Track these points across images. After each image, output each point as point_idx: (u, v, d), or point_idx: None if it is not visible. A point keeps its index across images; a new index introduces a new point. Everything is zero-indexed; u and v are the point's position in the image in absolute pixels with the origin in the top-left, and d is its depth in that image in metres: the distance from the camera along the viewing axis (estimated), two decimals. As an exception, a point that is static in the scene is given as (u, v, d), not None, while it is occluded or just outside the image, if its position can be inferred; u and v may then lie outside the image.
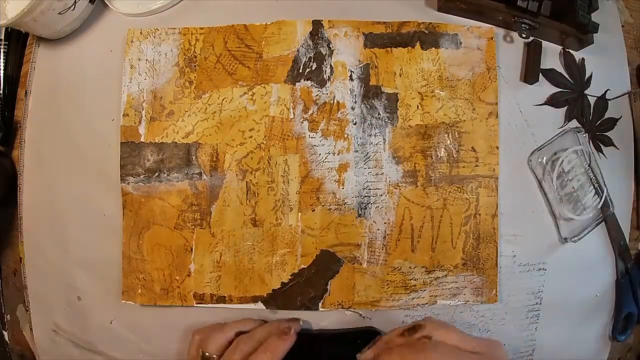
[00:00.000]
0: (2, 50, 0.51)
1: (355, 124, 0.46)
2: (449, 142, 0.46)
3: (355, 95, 0.46)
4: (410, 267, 0.45)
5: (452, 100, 0.46)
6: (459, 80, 0.47)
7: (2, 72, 0.51)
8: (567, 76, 0.48)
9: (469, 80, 0.47)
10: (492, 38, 0.47)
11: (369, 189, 0.46)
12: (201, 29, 0.47)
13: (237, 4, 0.48)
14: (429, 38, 0.47)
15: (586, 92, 0.49)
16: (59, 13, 0.46)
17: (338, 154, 0.46)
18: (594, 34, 0.47)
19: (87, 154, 0.48)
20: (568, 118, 0.48)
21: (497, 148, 0.46)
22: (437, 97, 0.46)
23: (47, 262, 0.49)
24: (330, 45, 0.46)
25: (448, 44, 0.47)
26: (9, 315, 0.53)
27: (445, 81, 0.47)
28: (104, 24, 0.50)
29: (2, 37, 0.52)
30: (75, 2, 0.46)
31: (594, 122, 0.49)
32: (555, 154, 0.47)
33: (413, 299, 0.45)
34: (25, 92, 0.51)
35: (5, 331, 0.52)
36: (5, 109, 0.51)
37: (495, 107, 0.47)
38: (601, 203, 0.47)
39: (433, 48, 0.47)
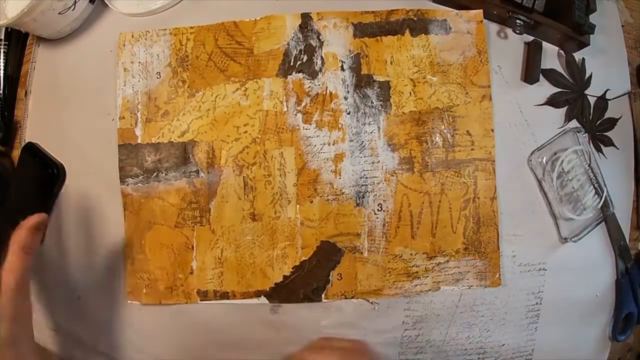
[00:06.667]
0: (2, 50, 0.52)
1: (349, 113, 0.46)
2: (443, 127, 0.46)
3: (348, 85, 0.46)
4: (411, 254, 0.45)
5: (444, 85, 0.46)
6: (450, 65, 0.47)
7: (2, 72, 0.52)
8: (567, 76, 0.48)
9: (461, 65, 0.47)
10: (481, 21, 0.47)
11: (366, 178, 0.46)
12: (191, 28, 0.48)
13: (236, 3, 0.48)
14: (418, 25, 0.47)
15: (586, 92, 0.48)
16: (59, 13, 0.46)
17: (333, 144, 0.46)
18: (595, 35, 0.46)
19: (87, 154, 0.49)
20: (568, 118, 0.48)
21: (492, 130, 0.46)
22: (429, 82, 0.46)
23: (47, 262, 0.49)
24: (320, 37, 0.47)
25: (437, 30, 0.47)
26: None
27: (437, 67, 0.47)
28: (104, 24, 0.50)
29: (2, 37, 0.52)
30: (75, 2, 0.47)
31: (594, 122, 0.49)
32: (555, 154, 0.47)
33: (416, 285, 0.45)
34: (25, 92, 0.51)
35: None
36: (5, 109, 0.52)
37: (488, 90, 0.47)
38: (601, 203, 0.47)
39: (423, 34, 0.47)
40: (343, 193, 0.45)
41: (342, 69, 0.46)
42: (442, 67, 0.47)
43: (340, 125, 0.46)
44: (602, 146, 0.49)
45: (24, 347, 0.37)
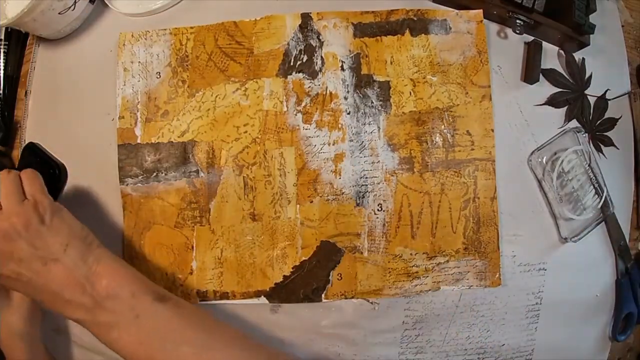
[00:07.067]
0: (2, 50, 0.52)
1: (348, 113, 0.46)
2: (443, 127, 0.46)
3: (348, 85, 0.46)
4: (411, 254, 0.45)
5: (444, 85, 0.46)
6: (450, 65, 0.47)
7: (2, 72, 0.52)
8: (567, 76, 0.48)
9: (461, 65, 0.47)
10: (481, 21, 0.47)
11: (366, 178, 0.46)
12: (191, 28, 0.48)
13: (236, 3, 0.48)
14: (418, 25, 0.47)
15: (586, 92, 0.49)
16: (59, 13, 0.46)
17: (333, 144, 0.46)
18: (595, 35, 0.47)
19: (87, 154, 0.49)
20: (568, 118, 0.48)
21: (493, 130, 0.46)
22: (429, 82, 0.46)
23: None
24: (320, 37, 0.47)
25: (437, 30, 0.47)
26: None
27: (437, 66, 0.47)
28: (104, 24, 0.50)
29: (2, 37, 0.52)
30: (75, 2, 0.47)
31: (594, 122, 0.49)
32: (555, 154, 0.47)
33: (416, 285, 0.45)
34: (25, 92, 0.51)
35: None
36: (5, 109, 0.51)
37: (488, 90, 0.47)
38: (601, 203, 0.47)
39: (423, 34, 0.47)
40: (343, 193, 0.45)
41: (342, 69, 0.46)
42: (442, 67, 0.47)
43: (340, 125, 0.46)
44: (602, 146, 0.49)
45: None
